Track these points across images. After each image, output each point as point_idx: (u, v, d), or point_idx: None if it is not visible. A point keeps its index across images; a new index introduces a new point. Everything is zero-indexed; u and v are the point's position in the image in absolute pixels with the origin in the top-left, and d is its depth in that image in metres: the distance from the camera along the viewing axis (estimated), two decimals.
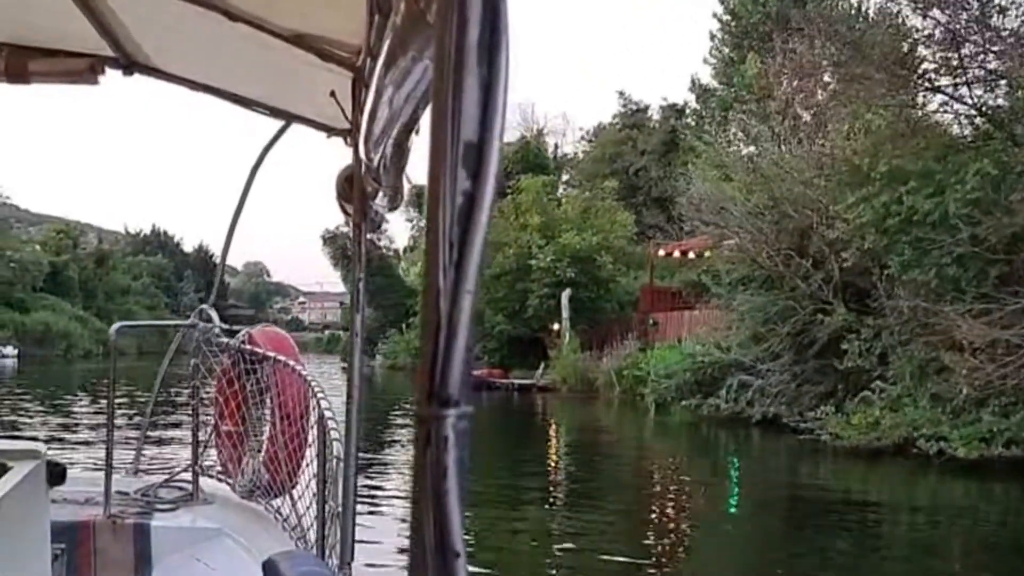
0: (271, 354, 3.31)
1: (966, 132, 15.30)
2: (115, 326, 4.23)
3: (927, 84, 15.00)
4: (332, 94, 1.90)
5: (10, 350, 41.03)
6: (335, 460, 2.44)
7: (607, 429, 20.64)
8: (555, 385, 26.12)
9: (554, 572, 7.50)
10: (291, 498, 3.15)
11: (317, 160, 2.87)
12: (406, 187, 1.92)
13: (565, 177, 41.53)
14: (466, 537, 0.45)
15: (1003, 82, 14.32)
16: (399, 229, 45.01)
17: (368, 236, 2.27)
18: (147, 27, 2.21)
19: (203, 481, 3.56)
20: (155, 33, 2.27)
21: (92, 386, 25.02)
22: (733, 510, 11.22)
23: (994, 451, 12.35)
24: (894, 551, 8.85)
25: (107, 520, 3.15)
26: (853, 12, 22.18)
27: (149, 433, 4.94)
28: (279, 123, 2.78)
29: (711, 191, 19.50)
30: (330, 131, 2.34)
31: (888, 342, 15.02)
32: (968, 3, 13.98)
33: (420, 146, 1.50)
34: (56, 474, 2.52)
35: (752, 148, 20.40)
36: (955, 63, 14.34)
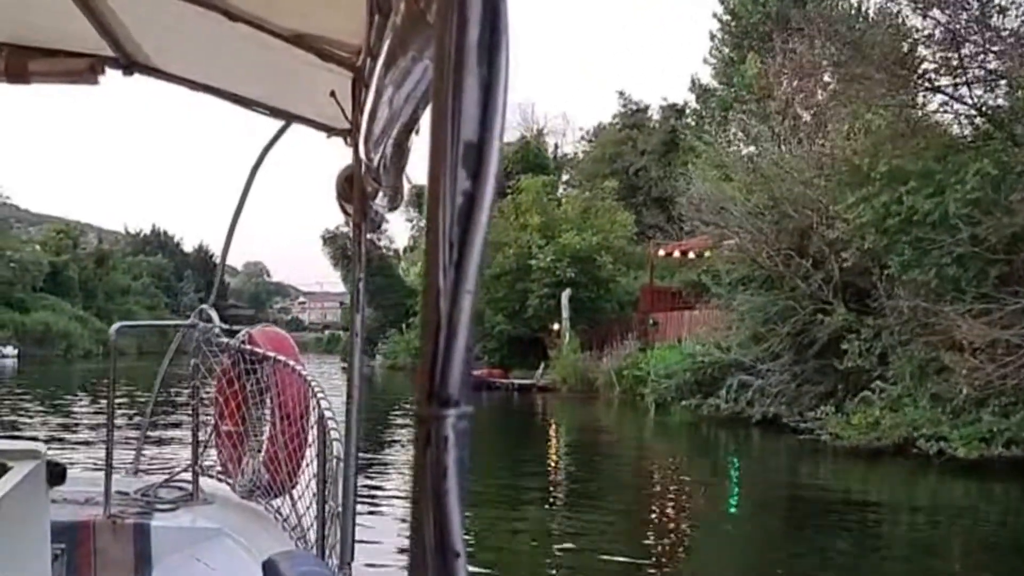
0: (271, 354, 3.31)
1: (966, 132, 15.31)
2: (115, 326, 4.23)
3: (927, 84, 15.00)
4: (332, 94, 1.90)
5: (10, 350, 41.04)
6: (335, 460, 2.44)
7: (607, 429, 20.64)
8: (555, 385, 26.12)
9: (554, 572, 7.50)
10: (291, 498, 3.15)
11: (317, 160, 2.88)
12: (406, 187, 1.92)
13: (565, 177, 41.54)
14: (466, 537, 0.45)
15: (1003, 82, 14.32)
16: (399, 229, 45.07)
17: (368, 236, 2.27)
18: (147, 27, 2.21)
19: (203, 481, 3.56)
20: (155, 33, 2.27)
21: (92, 386, 25.02)
22: (733, 510, 11.22)
23: (994, 451, 12.34)
24: (894, 551, 8.85)
25: (107, 520, 3.15)
26: (853, 12, 22.18)
27: (149, 433, 4.94)
28: (279, 123, 2.79)
29: (711, 191, 19.50)
30: (330, 131, 2.34)
31: (888, 342, 15.02)
32: (968, 3, 13.98)
33: (420, 146, 1.50)
34: (56, 474, 2.52)
35: (752, 148, 20.40)
36: (955, 63, 14.34)
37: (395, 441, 15.42)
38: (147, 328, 37.39)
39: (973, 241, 12.92)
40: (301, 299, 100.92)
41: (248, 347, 3.39)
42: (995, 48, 13.89)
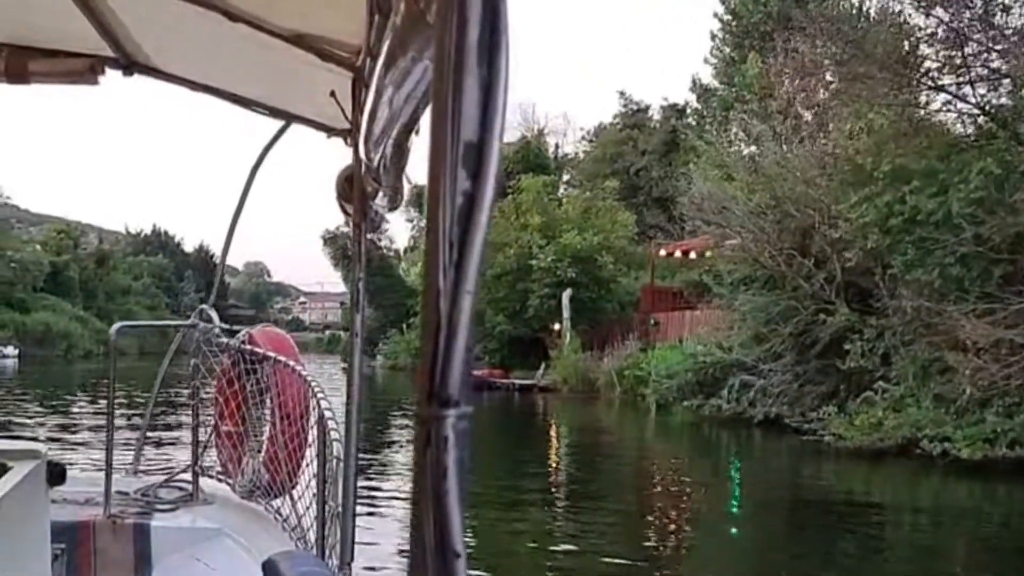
0: (271, 354, 3.31)
1: (969, 131, 15.31)
2: (115, 326, 4.23)
3: (930, 83, 15.00)
4: (332, 94, 1.90)
5: (10, 350, 41.09)
6: (335, 460, 2.44)
7: (608, 429, 20.64)
8: (556, 385, 26.12)
9: (554, 573, 7.50)
10: (291, 498, 3.15)
11: (317, 160, 2.88)
12: (406, 187, 1.92)
13: (566, 177, 41.56)
14: (466, 538, 0.45)
15: (1007, 81, 14.32)
16: (399, 229, 45.13)
17: (368, 236, 2.26)
18: (147, 27, 2.21)
19: (203, 481, 3.56)
20: (155, 33, 2.27)
21: (92, 386, 25.05)
22: (735, 511, 11.21)
23: (998, 452, 12.32)
24: (897, 552, 8.84)
25: (107, 520, 3.16)
26: (855, 11, 22.14)
27: (149, 433, 4.94)
28: (279, 123, 2.79)
29: (712, 191, 19.49)
30: (330, 131, 2.34)
31: (891, 342, 15.00)
32: (971, 1, 13.98)
33: (420, 146, 1.50)
34: (56, 474, 2.52)
35: (754, 148, 20.41)
36: (958, 62, 14.34)
37: (395, 441, 15.43)
38: (147, 328, 37.46)
39: (977, 240, 12.91)
40: (301, 299, 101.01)
41: (248, 347, 3.39)
42: (998, 47, 13.88)
